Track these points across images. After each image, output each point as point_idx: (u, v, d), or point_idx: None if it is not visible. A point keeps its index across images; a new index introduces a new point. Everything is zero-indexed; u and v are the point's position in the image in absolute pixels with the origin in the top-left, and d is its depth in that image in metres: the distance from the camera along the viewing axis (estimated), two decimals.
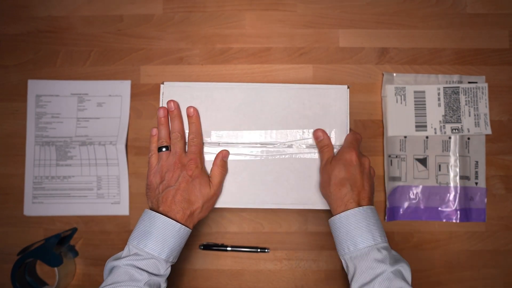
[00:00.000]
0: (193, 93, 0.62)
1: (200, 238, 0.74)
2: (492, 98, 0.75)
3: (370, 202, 0.56)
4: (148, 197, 0.59)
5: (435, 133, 0.74)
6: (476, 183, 0.74)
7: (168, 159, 0.59)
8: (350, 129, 0.62)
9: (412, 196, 0.74)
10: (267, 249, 0.73)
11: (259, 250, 0.73)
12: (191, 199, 0.56)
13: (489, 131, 0.74)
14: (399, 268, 0.51)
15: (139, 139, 0.75)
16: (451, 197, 0.74)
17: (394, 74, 0.75)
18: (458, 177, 0.74)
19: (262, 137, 0.62)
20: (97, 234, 0.75)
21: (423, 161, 0.74)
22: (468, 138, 0.75)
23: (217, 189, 0.59)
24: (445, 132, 0.74)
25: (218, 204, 0.62)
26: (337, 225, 0.54)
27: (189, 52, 0.76)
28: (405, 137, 0.74)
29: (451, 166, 0.74)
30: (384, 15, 0.77)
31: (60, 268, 0.69)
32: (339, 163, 0.57)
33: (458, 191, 0.73)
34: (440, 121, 0.74)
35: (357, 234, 0.52)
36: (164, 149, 0.59)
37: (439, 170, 0.74)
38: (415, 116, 0.74)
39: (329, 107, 0.62)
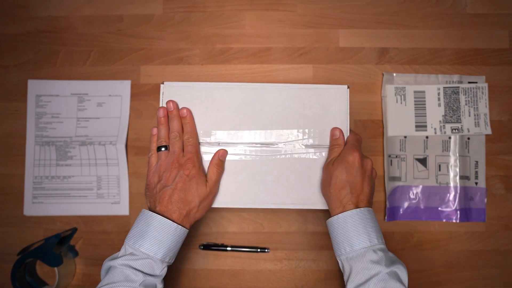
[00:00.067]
0: (193, 93, 0.62)
1: (200, 238, 0.74)
2: (492, 98, 0.75)
3: (369, 204, 0.56)
4: (147, 197, 0.59)
5: (435, 133, 0.74)
6: (476, 183, 0.74)
7: (167, 158, 0.59)
8: (350, 130, 0.62)
9: (412, 196, 0.74)
10: (267, 249, 0.73)
11: (259, 250, 0.73)
12: (188, 198, 0.56)
13: (489, 131, 0.74)
14: (395, 269, 0.51)
15: (139, 139, 0.75)
16: (451, 197, 0.74)
17: (394, 74, 0.75)
18: (458, 177, 0.74)
19: (262, 137, 0.62)
20: (97, 234, 0.75)
21: (423, 161, 0.74)
22: (468, 138, 0.75)
23: (213, 188, 0.59)
24: (445, 132, 0.74)
25: (218, 204, 0.62)
26: (335, 226, 0.55)
27: (189, 52, 0.77)
28: (405, 137, 0.74)
29: (451, 166, 0.74)
30: (384, 15, 0.77)
31: (60, 268, 0.69)
32: (341, 165, 0.57)
33: (458, 191, 0.73)
34: (440, 121, 0.74)
35: (354, 235, 0.53)
36: (163, 149, 0.59)
37: (439, 170, 0.74)
38: (415, 116, 0.74)
39: (329, 107, 0.62)
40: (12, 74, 0.77)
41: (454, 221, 0.74)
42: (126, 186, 0.75)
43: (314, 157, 0.62)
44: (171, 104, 0.61)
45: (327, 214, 0.58)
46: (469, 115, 0.74)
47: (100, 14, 0.77)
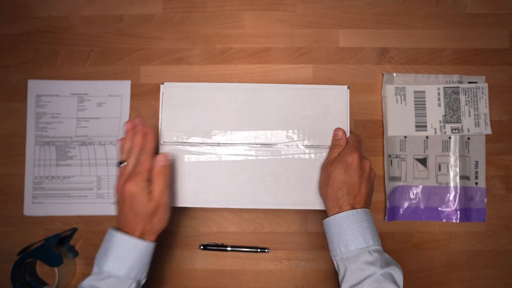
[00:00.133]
0: (193, 93, 0.62)
1: (200, 238, 0.74)
2: (492, 98, 0.75)
3: (366, 205, 0.57)
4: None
5: (435, 133, 0.74)
6: (476, 183, 0.74)
7: (121, 174, 0.58)
8: (351, 131, 0.62)
9: (412, 196, 0.74)
10: (267, 249, 0.73)
11: (259, 250, 0.73)
12: (137, 215, 0.56)
13: (489, 131, 0.74)
14: (390, 271, 0.51)
15: None
16: (451, 197, 0.74)
17: (394, 74, 0.75)
18: (458, 177, 0.74)
19: (262, 137, 0.62)
20: (97, 234, 0.75)
21: (423, 161, 0.74)
22: (468, 138, 0.75)
23: (161, 199, 0.56)
24: (445, 132, 0.74)
25: (219, 204, 0.62)
26: (331, 226, 0.55)
27: (189, 52, 0.76)
28: (405, 137, 0.74)
29: (451, 166, 0.74)
30: (384, 15, 0.77)
31: (60, 268, 0.69)
32: (339, 165, 0.57)
33: (458, 191, 0.73)
34: (440, 121, 0.74)
35: (349, 236, 0.53)
36: (121, 165, 0.59)
37: (439, 170, 0.74)
38: (415, 116, 0.74)
39: (329, 107, 0.62)
40: (12, 74, 0.77)
41: (454, 221, 0.74)
42: None
43: (314, 157, 0.62)
44: (136, 119, 0.60)
45: (326, 214, 0.58)
46: (469, 115, 0.74)
47: (100, 14, 0.77)
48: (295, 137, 0.62)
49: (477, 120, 0.74)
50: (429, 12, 0.76)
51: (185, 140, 0.62)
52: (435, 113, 0.74)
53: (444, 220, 0.74)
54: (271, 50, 0.76)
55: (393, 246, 0.74)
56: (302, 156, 0.62)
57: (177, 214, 0.74)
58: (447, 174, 0.74)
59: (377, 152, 0.75)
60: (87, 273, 0.74)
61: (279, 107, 0.62)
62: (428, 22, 0.76)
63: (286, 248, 0.74)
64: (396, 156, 0.74)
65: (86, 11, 0.77)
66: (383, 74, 0.75)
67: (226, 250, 0.73)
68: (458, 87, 0.74)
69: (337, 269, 0.55)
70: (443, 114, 0.74)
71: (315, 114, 0.62)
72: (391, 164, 0.74)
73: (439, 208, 0.74)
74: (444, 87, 0.74)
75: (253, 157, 0.62)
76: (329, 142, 0.62)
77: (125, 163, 0.58)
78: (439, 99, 0.74)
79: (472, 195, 0.74)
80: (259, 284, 0.74)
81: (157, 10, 0.77)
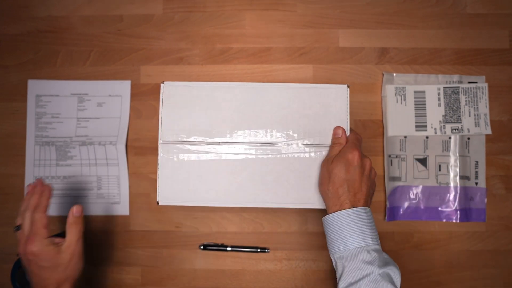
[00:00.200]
0: (193, 92, 0.62)
1: (200, 238, 0.74)
2: (492, 98, 0.75)
3: (366, 204, 0.56)
4: None
5: (435, 133, 0.74)
6: (476, 183, 0.74)
7: (20, 239, 0.59)
8: (351, 129, 0.62)
9: (412, 196, 0.74)
10: (267, 249, 0.73)
11: (259, 250, 0.73)
12: (48, 271, 0.57)
13: (489, 131, 0.74)
14: (388, 271, 0.52)
15: (139, 139, 0.75)
16: (451, 197, 0.74)
17: (394, 74, 0.75)
18: (458, 177, 0.74)
19: (262, 136, 0.62)
20: (97, 234, 0.75)
21: (423, 161, 0.74)
22: (468, 138, 0.75)
23: (73, 250, 0.59)
24: (445, 132, 0.74)
25: (219, 204, 0.62)
26: (330, 224, 0.55)
27: (189, 52, 0.77)
28: (405, 137, 0.74)
29: (451, 166, 0.74)
30: (384, 15, 0.77)
31: None
32: (340, 162, 0.57)
33: (458, 191, 0.73)
34: (440, 121, 0.74)
35: (348, 234, 0.53)
36: (18, 230, 0.60)
37: (439, 170, 0.74)
38: (415, 116, 0.74)
39: (329, 106, 0.62)
40: (12, 74, 0.77)
41: (454, 221, 0.74)
42: (126, 186, 0.75)
43: (314, 156, 0.62)
44: (36, 181, 0.63)
45: (326, 213, 0.58)
46: (469, 115, 0.74)
47: (100, 14, 0.77)
48: (295, 136, 0.62)
49: (477, 120, 0.74)
50: (429, 12, 0.77)
51: (185, 139, 0.62)
52: (435, 113, 0.74)
53: (444, 220, 0.74)
54: (271, 50, 0.76)
55: (393, 246, 0.74)
56: (302, 155, 0.62)
57: (177, 214, 0.74)
58: (447, 174, 0.74)
59: (377, 152, 0.75)
60: (87, 273, 0.74)
61: (279, 106, 0.62)
62: (428, 22, 0.76)
63: (286, 248, 0.74)
64: (396, 156, 0.74)
65: (86, 11, 0.77)
66: (383, 74, 0.75)
67: (226, 250, 0.73)
68: (458, 87, 0.74)
69: (335, 267, 0.55)
70: (443, 114, 0.74)
71: (315, 113, 0.62)
72: (391, 164, 0.74)
73: (439, 208, 0.74)
74: (444, 87, 0.74)
75: (253, 156, 0.62)
76: (329, 141, 0.62)
77: (17, 228, 0.60)
78: (439, 99, 0.74)
79: (472, 195, 0.74)
80: (259, 284, 0.74)
81: (157, 10, 0.77)
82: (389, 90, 0.75)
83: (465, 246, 0.74)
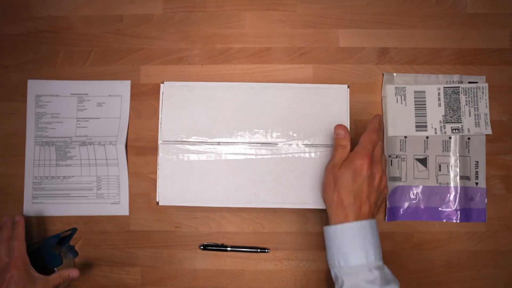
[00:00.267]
0: (193, 92, 0.62)
1: (200, 238, 0.74)
2: (493, 98, 0.75)
3: (372, 215, 0.55)
4: None
5: (435, 133, 0.74)
6: (477, 183, 0.74)
7: None
8: (372, 121, 0.58)
9: (412, 196, 0.74)
10: (267, 249, 0.73)
11: (259, 250, 0.73)
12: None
13: (489, 131, 0.74)
14: None
15: (139, 139, 0.75)
16: (452, 197, 0.74)
17: (394, 74, 0.75)
18: (458, 177, 0.74)
19: (262, 136, 0.62)
20: (97, 234, 0.75)
21: (423, 161, 0.74)
22: (469, 138, 0.75)
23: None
24: (445, 132, 0.74)
25: (218, 204, 0.62)
26: (331, 236, 0.54)
27: (189, 52, 0.76)
28: (405, 137, 0.74)
29: (451, 166, 0.74)
30: (384, 15, 0.77)
31: (59, 268, 0.68)
32: (348, 170, 0.54)
33: (459, 191, 0.73)
34: (440, 121, 0.74)
35: (350, 250, 0.52)
36: None
37: (439, 170, 0.74)
38: (415, 116, 0.74)
39: (329, 106, 0.62)
40: (12, 74, 0.77)
41: (454, 221, 0.73)
42: (126, 186, 0.75)
43: (315, 156, 0.62)
44: (6, 218, 0.67)
45: (327, 214, 0.58)
46: (470, 115, 0.74)
47: (100, 14, 0.77)
48: (295, 136, 0.62)
49: (477, 120, 0.74)
50: (429, 12, 0.76)
51: (185, 139, 0.62)
52: (435, 113, 0.74)
53: (444, 220, 0.74)
54: (271, 50, 0.76)
55: (393, 246, 0.74)
56: (302, 155, 0.62)
57: (177, 214, 0.74)
58: (448, 174, 0.74)
59: None
60: (87, 274, 0.74)
61: (279, 106, 0.62)
62: (428, 22, 0.76)
63: (286, 248, 0.74)
64: (396, 156, 0.74)
65: (86, 11, 0.77)
66: (383, 74, 0.75)
67: (226, 250, 0.73)
68: (458, 87, 0.74)
69: (333, 277, 0.54)
70: (443, 114, 0.74)
71: (315, 113, 0.62)
72: (391, 164, 0.74)
73: (439, 208, 0.74)
74: (444, 87, 0.74)
75: (253, 156, 0.62)
76: (329, 141, 0.62)
77: None
78: (439, 99, 0.74)
79: (472, 195, 0.74)
80: (259, 284, 0.73)
81: (157, 10, 0.77)
82: (389, 90, 0.75)
83: (465, 246, 0.74)
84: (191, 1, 0.77)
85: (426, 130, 0.74)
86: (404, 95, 0.74)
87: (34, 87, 0.76)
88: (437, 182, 0.74)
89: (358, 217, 0.53)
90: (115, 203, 0.75)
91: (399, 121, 0.74)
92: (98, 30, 0.77)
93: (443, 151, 0.74)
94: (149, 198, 0.74)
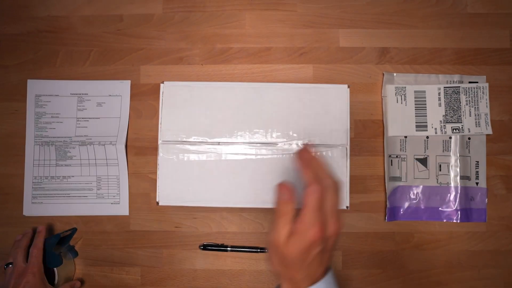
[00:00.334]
0: (193, 92, 0.62)
1: (200, 238, 0.74)
2: (493, 98, 0.75)
3: (325, 272, 0.47)
4: None
5: (436, 133, 0.74)
6: (477, 183, 0.74)
7: (12, 273, 0.64)
8: (313, 178, 0.46)
9: (412, 196, 0.74)
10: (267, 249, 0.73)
11: (259, 250, 0.73)
12: None
13: (489, 131, 0.74)
14: None
15: (139, 139, 0.75)
16: (452, 197, 0.74)
17: (395, 74, 0.75)
18: (458, 177, 0.73)
19: (262, 136, 0.62)
20: (97, 234, 0.75)
21: (423, 161, 0.74)
22: (469, 138, 0.74)
23: None
24: (445, 132, 0.74)
25: (219, 204, 0.62)
26: None
27: (189, 52, 0.76)
28: (406, 137, 0.74)
29: (451, 166, 0.74)
30: (384, 15, 0.77)
31: (59, 268, 0.68)
32: (297, 248, 0.44)
33: (459, 191, 0.73)
34: (440, 121, 0.74)
35: None
36: (10, 265, 0.65)
37: (440, 170, 0.74)
38: (416, 116, 0.74)
39: (330, 106, 0.62)
40: (12, 74, 0.77)
41: (454, 221, 0.73)
42: (126, 186, 0.75)
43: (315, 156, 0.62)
44: (28, 230, 0.71)
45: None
46: (470, 115, 0.74)
47: (100, 14, 0.77)
48: (295, 136, 0.62)
49: (477, 120, 0.74)
50: (429, 12, 0.76)
51: (185, 139, 0.62)
52: (435, 113, 0.74)
53: (444, 220, 0.74)
54: (271, 50, 0.76)
55: (393, 246, 0.74)
56: None
57: (177, 214, 0.74)
58: (448, 174, 0.74)
59: (377, 152, 0.75)
60: (87, 274, 0.74)
61: (279, 106, 0.62)
62: (428, 22, 0.76)
63: None
64: (397, 156, 0.74)
65: (86, 11, 0.77)
66: (383, 74, 0.75)
67: (226, 250, 0.73)
68: (459, 87, 0.74)
69: None
70: (444, 114, 0.74)
71: (316, 113, 0.62)
72: (392, 164, 0.74)
73: (440, 208, 0.74)
74: (444, 87, 0.74)
75: (253, 156, 0.62)
76: (329, 141, 0.61)
77: (11, 264, 0.65)
78: (439, 99, 0.74)
79: (472, 195, 0.74)
80: (259, 285, 0.73)
81: (157, 10, 0.77)
82: (389, 90, 0.74)
83: (465, 246, 0.74)
84: (191, 1, 0.77)
85: (427, 130, 0.74)
86: (405, 95, 0.74)
87: (34, 87, 0.76)
88: (437, 182, 0.74)
89: (313, 281, 0.45)
90: (115, 203, 0.75)
91: (399, 121, 0.74)
92: (98, 30, 0.77)
93: (443, 151, 0.74)
94: (149, 198, 0.74)
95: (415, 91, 0.74)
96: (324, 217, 0.44)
